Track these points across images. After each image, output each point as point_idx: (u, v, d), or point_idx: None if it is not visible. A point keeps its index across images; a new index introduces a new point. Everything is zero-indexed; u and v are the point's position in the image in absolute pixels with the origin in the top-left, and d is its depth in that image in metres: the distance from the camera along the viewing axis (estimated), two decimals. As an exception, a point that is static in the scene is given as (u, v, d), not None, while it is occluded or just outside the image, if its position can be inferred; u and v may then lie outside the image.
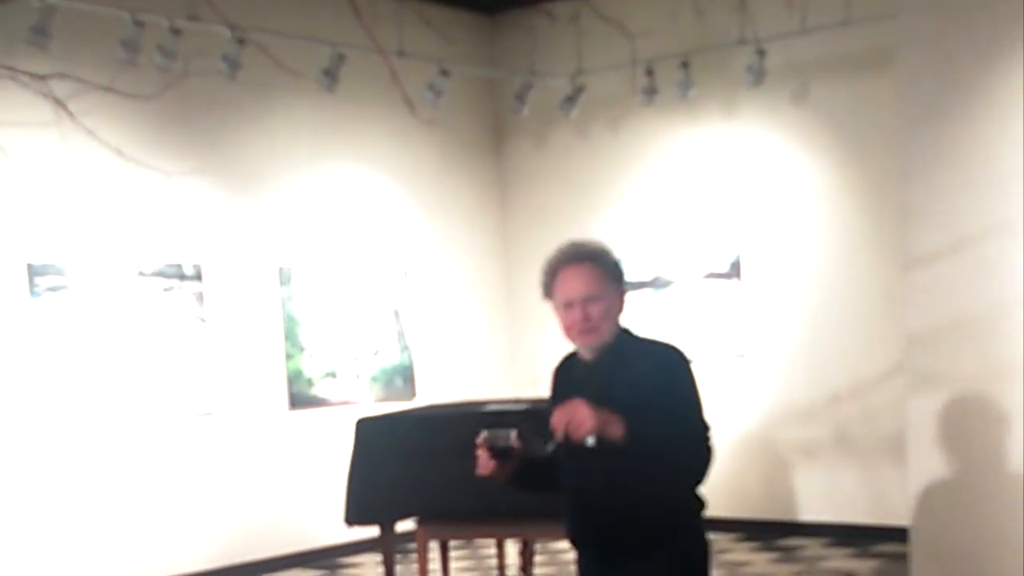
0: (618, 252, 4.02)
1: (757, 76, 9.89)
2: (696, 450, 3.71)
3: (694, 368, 3.81)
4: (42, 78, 8.54)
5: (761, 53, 9.84)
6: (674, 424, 3.66)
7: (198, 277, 9.75)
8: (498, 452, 3.78)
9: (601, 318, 3.83)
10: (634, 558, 3.75)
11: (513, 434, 3.83)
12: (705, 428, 3.76)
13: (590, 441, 3.48)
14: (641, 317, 11.02)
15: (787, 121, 10.47)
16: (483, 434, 3.78)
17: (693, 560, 3.86)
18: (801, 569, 9.21)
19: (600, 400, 3.66)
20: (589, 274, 3.87)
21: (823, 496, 10.33)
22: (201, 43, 8.86)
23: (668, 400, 3.70)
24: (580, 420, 3.49)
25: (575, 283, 3.85)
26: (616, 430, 3.52)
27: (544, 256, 12.91)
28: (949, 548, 7.35)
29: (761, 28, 10.05)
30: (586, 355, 3.90)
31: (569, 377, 3.98)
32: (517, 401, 8.30)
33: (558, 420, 3.53)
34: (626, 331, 3.90)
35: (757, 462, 10.61)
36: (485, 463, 3.81)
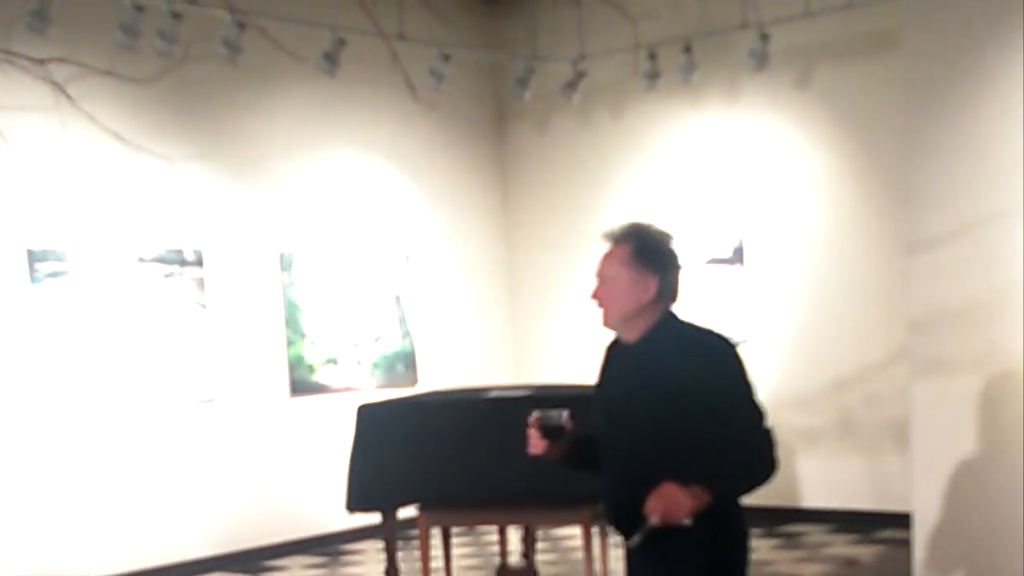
0: (666, 237, 3.99)
1: (760, 60, 9.84)
2: (764, 456, 3.70)
3: (739, 352, 3.77)
4: (41, 62, 8.50)
5: (764, 37, 9.79)
6: (740, 444, 3.65)
7: (199, 263, 9.72)
8: (550, 431, 3.82)
9: (606, 299, 3.85)
10: (665, 543, 3.69)
11: (565, 414, 3.88)
12: (762, 421, 3.73)
13: (687, 521, 3.54)
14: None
15: (790, 106, 10.43)
16: (535, 413, 3.82)
17: (724, 548, 3.80)
18: (804, 555, 9.19)
19: (629, 387, 3.73)
20: (608, 255, 3.91)
21: (826, 482, 10.31)
22: (201, 27, 8.82)
23: (724, 411, 3.66)
24: (676, 505, 3.52)
25: (599, 262, 3.93)
26: (705, 497, 3.56)
27: (545, 241, 12.89)
28: (952, 534, 7.33)
29: (764, 12, 9.99)
30: (624, 338, 3.90)
31: (612, 356, 4.00)
32: (519, 387, 8.28)
33: (654, 507, 3.54)
34: (672, 317, 3.87)
35: (760, 448, 10.58)
36: (536, 442, 3.86)
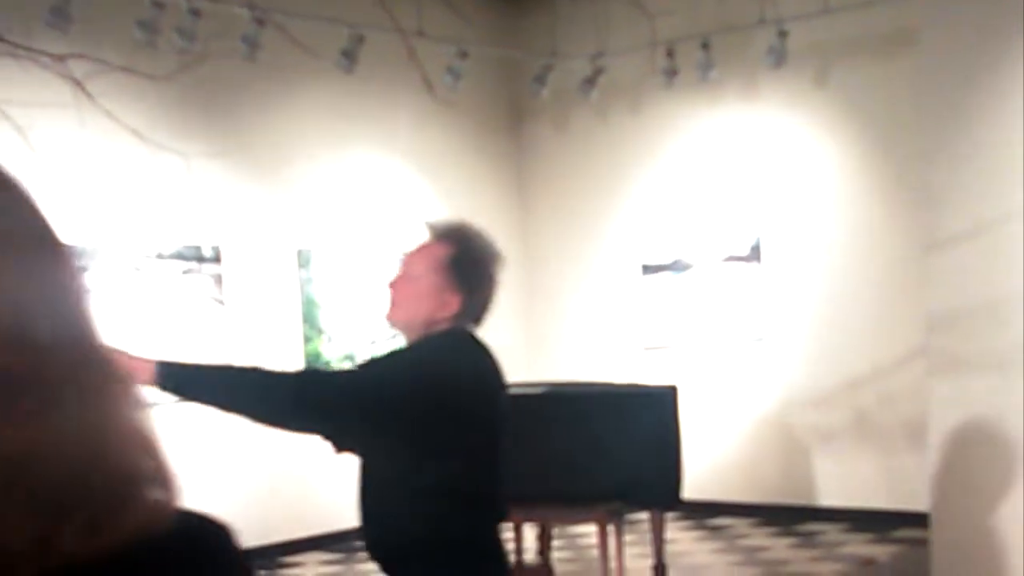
0: (493, 254, 3.59)
1: (778, 58, 9.81)
2: (276, 389, 3.28)
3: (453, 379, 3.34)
4: (61, 58, 8.52)
5: (783, 35, 9.77)
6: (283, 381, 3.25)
7: (217, 259, 9.74)
8: None
9: (400, 297, 3.47)
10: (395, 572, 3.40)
11: None
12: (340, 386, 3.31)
13: None
14: (660, 300, 11.01)
15: (808, 103, 10.41)
16: None
17: None
18: (819, 554, 9.18)
19: None
20: (422, 249, 3.50)
21: (842, 481, 10.29)
22: (219, 24, 8.84)
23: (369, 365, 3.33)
24: None
25: (411, 250, 3.54)
26: (141, 376, 3.13)
27: (561, 238, 12.85)
28: (969, 533, 7.31)
29: (782, 9, 9.97)
30: (406, 339, 3.51)
31: None
32: (534, 384, 8.27)
33: None
34: (453, 336, 3.45)
35: (776, 446, 10.58)
36: None
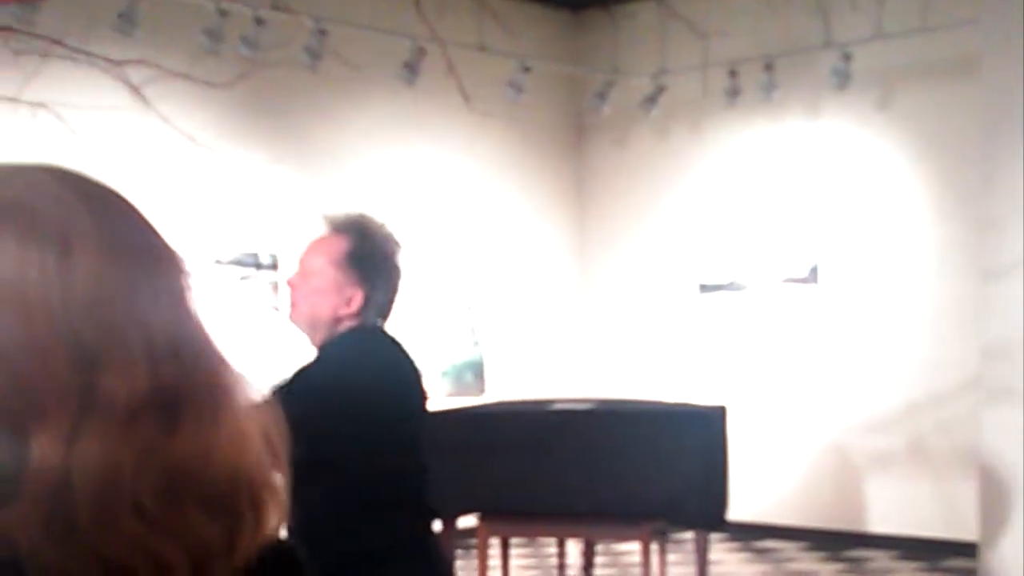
0: (393, 244, 3.46)
1: (842, 79, 9.78)
2: None
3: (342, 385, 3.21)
4: (119, 64, 8.61)
5: (847, 57, 9.73)
6: None
7: (274, 266, 9.80)
8: None
9: (299, 296, 3.35)
10: None
11: None
12: None
13: None
14: (717, 320, 10.99)
15: (871, 126, 10.34)
16: None
17: None
18: (868, 581, 9.10)
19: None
20: (319, 243, 3.38)
21: (894, 507, 10.18)
22: (279, 33, 8.91)
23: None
24: None
25: (308, 246, 3.40)
26: None
27: (620, 254, 12.83)
28: (1017, 565, 7.23)
29: (844, 32, 9.93)
30: (310, 343, 3.39)
31: None
32: (585, 400, 8.27)
33: None
34: (360, 334, 3.36)
35: (829, 471, 10.49)
36: None
